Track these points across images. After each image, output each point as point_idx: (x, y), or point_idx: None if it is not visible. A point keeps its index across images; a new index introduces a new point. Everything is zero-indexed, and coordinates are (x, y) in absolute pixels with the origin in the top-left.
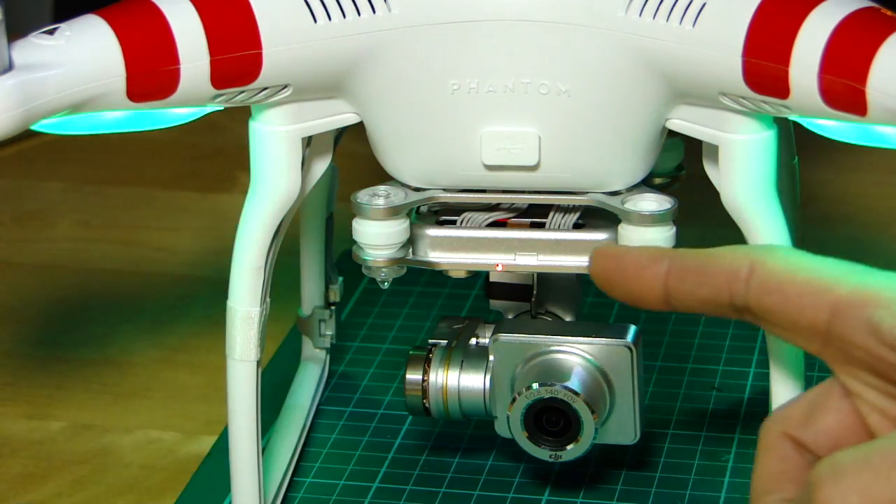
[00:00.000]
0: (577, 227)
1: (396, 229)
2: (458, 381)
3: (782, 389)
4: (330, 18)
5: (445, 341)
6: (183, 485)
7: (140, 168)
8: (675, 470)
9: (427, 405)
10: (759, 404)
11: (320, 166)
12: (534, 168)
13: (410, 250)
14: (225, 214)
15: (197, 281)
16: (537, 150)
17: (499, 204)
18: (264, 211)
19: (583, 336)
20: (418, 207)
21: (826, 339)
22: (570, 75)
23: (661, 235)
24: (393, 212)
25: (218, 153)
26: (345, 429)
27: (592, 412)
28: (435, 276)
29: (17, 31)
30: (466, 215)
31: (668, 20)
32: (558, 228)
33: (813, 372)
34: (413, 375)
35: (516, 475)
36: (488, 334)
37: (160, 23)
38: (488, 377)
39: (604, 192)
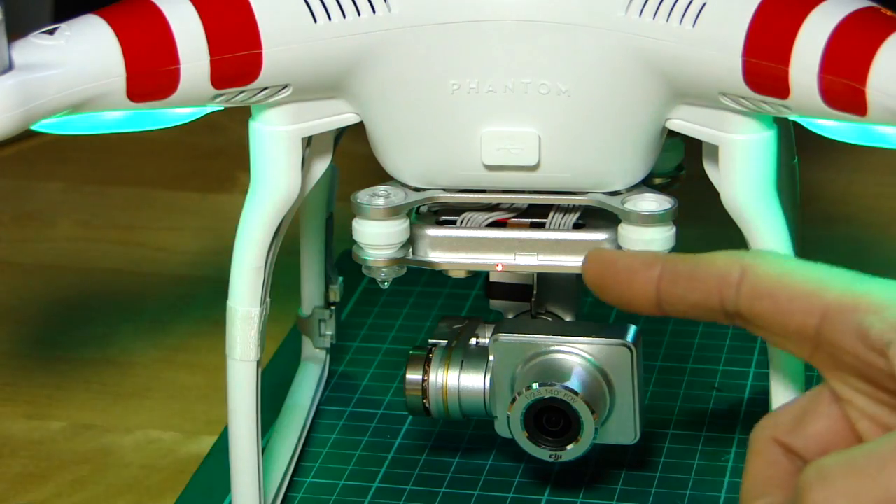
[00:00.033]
0: (577, 227)
1: (396, 229)
2: (458, 381)
3: (782, 391)
4: (330, 18)
5: (445, 341)
6: (183, 485)
7: (140, 168)
8: (675, 470)
9: (427, 405)
10: (759, 404)
11: (320, 166)
12: (534, 168)
13: (410, 250)
14: (225, 214)
15: (197, 281)
16: (537, 150)
17: (499, 204)
18: (264, 211)
19: (583, 336)
20: (418, 207)
21: (816, 344)
22: (570, 75)
23: (661, 235)
24: (393, 212)
25: (218, 153)
26: (345, 429)
27: (592, 412)
28: (435, 276)
29: (17, 31)
30: (466, 215)
31: (668, 20)
32: (558, 228)
33: (812, 372)
34: (413, 375)
35: (516, 475)
36: (488, 334)
37: (160, 23)
38: (488, 377)
39: (604, 192)
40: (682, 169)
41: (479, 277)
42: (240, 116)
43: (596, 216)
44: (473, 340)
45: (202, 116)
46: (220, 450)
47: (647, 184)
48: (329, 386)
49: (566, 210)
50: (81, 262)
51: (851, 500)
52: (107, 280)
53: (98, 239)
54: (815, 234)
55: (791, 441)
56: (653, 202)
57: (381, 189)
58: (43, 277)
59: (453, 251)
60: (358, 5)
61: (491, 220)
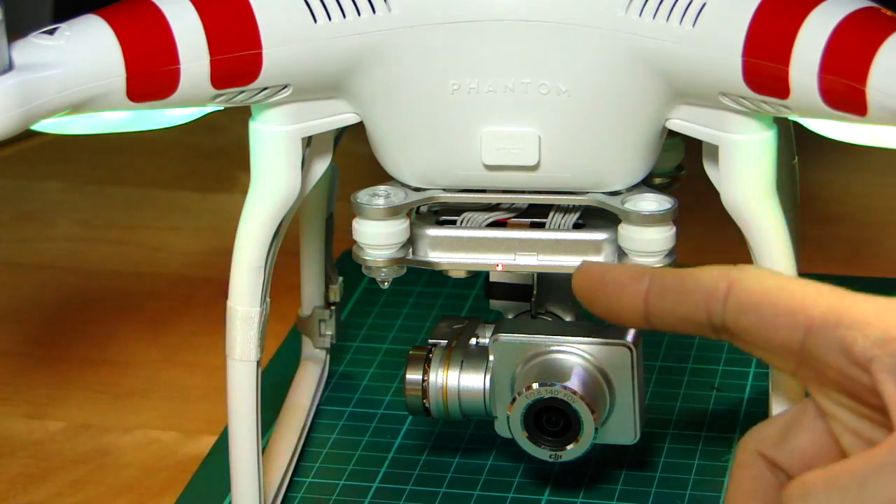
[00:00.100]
0: (577, 227)
1: (396, 229)
2: (458, 381)
3: (781, 393)
4: (330, 18)
5: (445, 341)
6: (183, 485)
7: (140, 168)
8: (675, 470)
9: (427, 405)
10: (759, 404)
11: (320, 166)
12: (534, 168)
13: (410, 250)
14: (225, 214)
15: (197, 281)
16: (537, 150)
17: (499, 204)
18: (264, 211)
19: (583, 336)
20: (418, 207)
21: (800, 359)
22: (570, 75)
23: (661, 235)
24: (393, 212)
25: (218, 153)
26: (345, 429)
27: (592, 412)
28: (435, 276)
29: (17, 31)
30: (466, 215)
31: (668, 20)
32: (558, 228)
33: None
34: (413, 375)
35: (516, 475)
36: (488, 334)
37: (160, 23)
38: (488, 377)
39: (604, 192)
40: (682, 169)
41: (479, 277)
42: (240, 116)
43: (596, 216)
44: (473, 340)
45: (202, 116)
46: (220, 450)
47: (647, 184)
48: (329, 386)
49: (566, 210)
50: (81, 262)
51: None
52: (107, 280)
53: (98, 239)
54: (814, 234)
55: (775, 455)
56: (653, 202)
57: (381, 189)
58: (43, 277)
59: (453, 251)
60: (358, 5)
61: (491, 220)
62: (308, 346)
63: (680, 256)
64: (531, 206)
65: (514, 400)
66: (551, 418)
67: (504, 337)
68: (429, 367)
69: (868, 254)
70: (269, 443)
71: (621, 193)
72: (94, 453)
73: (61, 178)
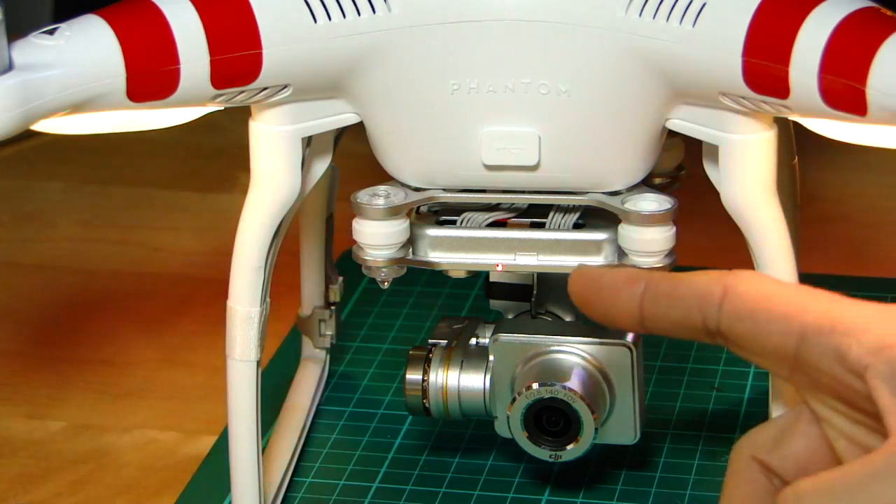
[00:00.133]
0: (577, 226)
1: (396, 229)
2: (458, 381)
3: (781, 395)
4: (330, 18)
5: (445, 341)
6: (183, 485)
7: (140, 168)
8: (675, 470)
9: (427, 405)
10: (759, 404)
11: (320, 166)
12: (534, 168)
13: (410, 250)
14: (225, 214)
15: (197, 281)
16: (537, 150)
17: (499, 204)
18: (264, 211)
19: (583, 336)
20: (418, 207)
21: (795, 365)
22: (570, 75)
23: (661, 235)
24: (393, 212)
25: (218, 153)
26: (345, 429)
27: (592, 412)
28: (435, 276)
29: (17, 31)
30: (466, 215)
31: (668, 20)
32: (558, 228)
33: None
34: (413, 375)
35: (516, 475)
36: (488, 334)
37: (160, 23)
38: (488, 377)
39: (604, 192)
40: (682, 169)
41: (479, 277)
42: (240, 116)
43: (596, 216)
44: (473, 340)
45: (202, 116)
46: (220, 450)
47: (647, 184)
48: (329, 386)
49: (566, 210)
50: (81, 262)
51: None
52: (107, 280)
53: (98, 239)
54: (814, 234)
55: (770, 460)
56: (653, 202)
57: (381, 189)
58: (43, 277)
59: (453, 251)
60: (358, 5)
61: (491, 220)
62: (308, 346)
63: (680, 256)
64: (531, 206)
65: (514, 400)
66: (551, 418)
67: (504, 337)
68: (429, 367)
69: (868, 254)
70: (269, 443)
71: (621, 193)
72: (94, 453)
73: (61, 178)
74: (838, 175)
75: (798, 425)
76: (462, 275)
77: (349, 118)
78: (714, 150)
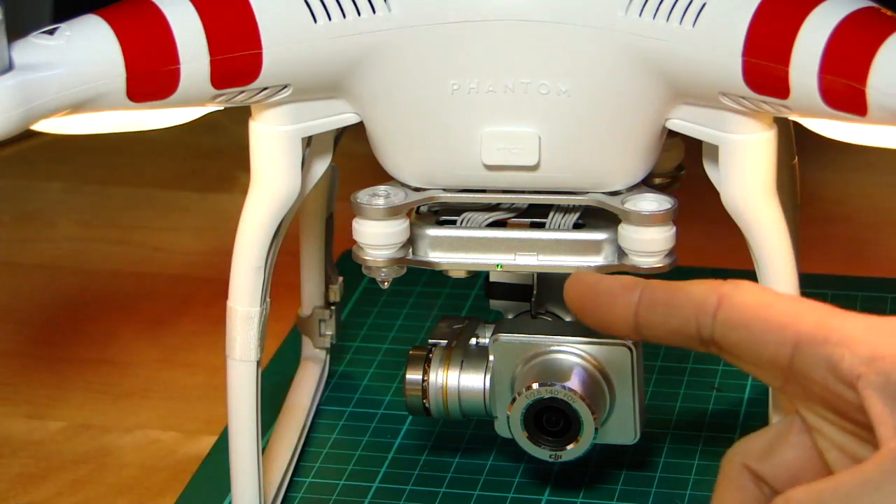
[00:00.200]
0: (577, 226)
1: (396, 229)
2: (458, 381)
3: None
4: (330, 18)
5: (445, 341)
6: (183, 485)
7: (140, 168)
8: (675, 470)
9: (427, 405)
10: (759, 404)
11: (320, 166)
12: (534, 168)
13: (410, 250)
14: (225, 214)
15: (197, 281)
16: (537, 150)
17: (499, 204)
18: (264, 211)
19: (583, 336)
20: (418, 207)
21: (788, 375)
22: (570, 75)
23: (661, 235)
24: (393, 212)
25: (218, 153)
26: (345, 429)
27: (592, 412)
28: (435, 276)
29: (17, 31)
30: (466, 215)
31: (668, 20)
32: (558, 228)
33: None
34: (413, 375)
35: (516, 475)
36: (488, 334)
37: (160, 23)
38: (488, 377)
39: (604, 192)
40: (682, 169)
41: (479, 277)
42: (240, 116)
43: (596, 216)
44: (473, 340)
45: (202, 116)
46: (220, 450)
47: (647, 184)
48: (329, 386)
49: (566, 210)
50: (81, 262)
51: None
52: (107, 280)
53: (98, 239)
54: (814, 234)
55: (760, 468)
56: (653, 202)
57: (381, 189)
58: (43, 277)
59: (453, 251)
60: (358, 5)
61: (491, 220)
62: (308, 346)
63: (680, 256)
64: (531, 206)
65: (514, 400)
66: (551, 418)
67: (504, 337)
68: (429, 367)
69: (868, 254)
70: (269, 443)
71: (621, 193)
72: (94, 453)
73: (61, 178)
74: (839, 175)
75: (789, 435)
76: (462, 275)
77: (349, 118)
78: (714, 150)
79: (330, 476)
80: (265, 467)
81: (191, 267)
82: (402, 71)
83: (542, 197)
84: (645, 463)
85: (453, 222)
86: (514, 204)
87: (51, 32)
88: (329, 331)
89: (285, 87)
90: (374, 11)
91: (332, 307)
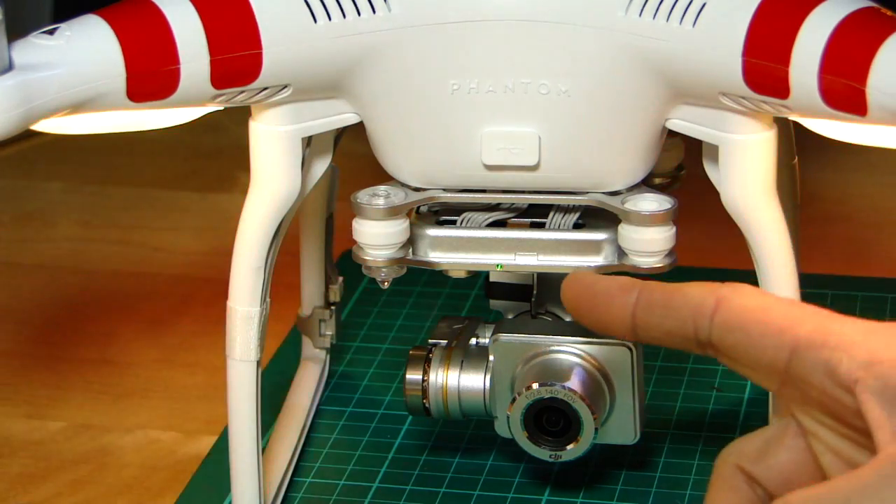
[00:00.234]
0: (577, 226)
1: (396, 229)
2: (458, 381)
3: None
4: (330, 18)
5: (445, 341)
6: (183, 485)
7: (140, 168)
8: (675, 470)
9: (427, 405)
10: (759, 404)
11: (320, 166)
12: (534, 168)
13: (410, 250)
14: (225, 214)
15: (197, 281)
16: (537, 150)
17: (499, 204)
18: (264, 211)
19: (583, 336)
20: (418, 207)
21: (785, 378)
22: (570, 75)
23: (661, 235)
24: (393, 212)
25: (218, 153)
26: (345, 429)
27: (592, 412)
28: (435, 276)
29: (17, 31)
30: (466, 215)
31: (668, 20)
32: (558, 228)
33: None
34: (413, 375)
35: (516, 475)
36: (488, 334)
37: (160, 23)
38: (488, 377)
39: (604, 192)
40: (682, 169)
41: (479, 277)
42: (240, 116)
43: (596, 216)
44: (473, 340)
45: (202, 116)
46: (220, 450)
47: (647, 184)
48: (329, 386)
49: (566, 210)
50: (81, 262)
51: None
52: (107, 280)
53: (98, 239)
54: (814, 234)
55: (754, 470)
56: (653, 202)
57: (381, 189)
58: (43, 277)
59: (453, 251)
60: (358, 5)
61: (491, 220)
62: (308, 346)
63: (680, 256)
64: (531, 206)
65: (514, 400)
66: (551, 418)
67: (504, 337)
68: (429, 367)
69: (868, 254)
70: (269, 443)
71: (621, 193)
72: (94, 453)
73: (61, 178)
74: (839, 175)
75: (784, 438)
76: (462, 275)
77: (349, 118)
78: (714, 150)
79: (330, 476)
80: (265, 467)
81: (191, 267)
82: (402, 71)
83: (542, 197)
84: (645, 463)
85: (453, 222)
86: (514, 204)
87: (51, 32)
88: (329, 331)
89: (285, 87)
90: (374, 11)
91: (332, 307)
